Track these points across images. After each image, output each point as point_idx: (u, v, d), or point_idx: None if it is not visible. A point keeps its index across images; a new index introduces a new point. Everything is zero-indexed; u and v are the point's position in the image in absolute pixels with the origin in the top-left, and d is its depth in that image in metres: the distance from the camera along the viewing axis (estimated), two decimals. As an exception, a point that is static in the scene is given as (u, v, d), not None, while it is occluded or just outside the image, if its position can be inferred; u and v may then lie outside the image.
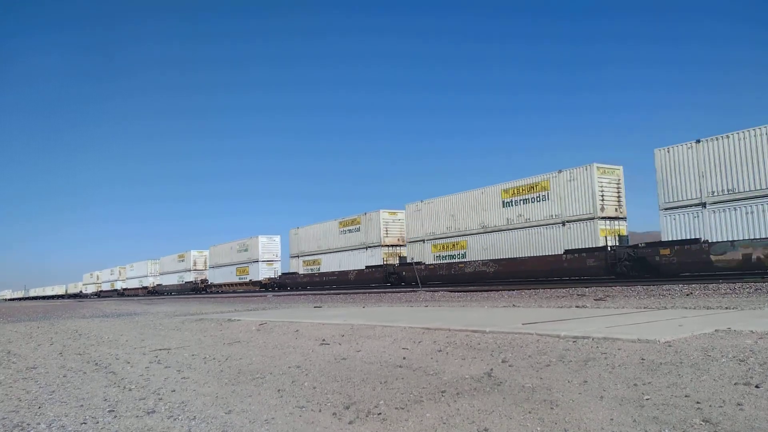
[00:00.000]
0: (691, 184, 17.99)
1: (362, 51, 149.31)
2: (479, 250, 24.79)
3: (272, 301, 23.26)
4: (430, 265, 27.27)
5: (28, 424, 3.60)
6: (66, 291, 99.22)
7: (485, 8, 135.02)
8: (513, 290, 17.91)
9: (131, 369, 5.68)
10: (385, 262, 30.81)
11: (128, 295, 62.45)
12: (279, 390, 4.22)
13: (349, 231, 33.88)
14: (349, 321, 8.62)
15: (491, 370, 4.32)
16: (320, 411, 3.56)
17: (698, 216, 17.72)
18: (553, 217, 21.99)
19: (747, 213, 16.57)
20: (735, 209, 16.90)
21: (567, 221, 21.49)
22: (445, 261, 26.50)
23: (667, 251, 18.09)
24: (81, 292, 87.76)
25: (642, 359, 4.21)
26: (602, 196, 20.79)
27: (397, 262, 30.67)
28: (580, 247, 20.91)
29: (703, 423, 2.78)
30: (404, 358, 5.11)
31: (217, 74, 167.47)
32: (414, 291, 21.88)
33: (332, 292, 27.85)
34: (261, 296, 30.81)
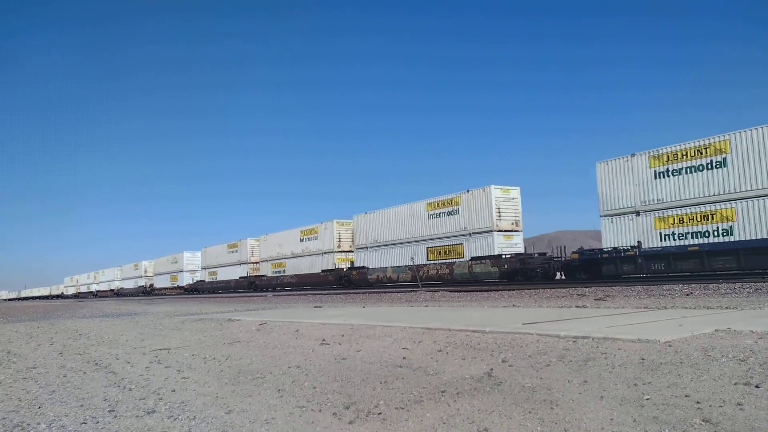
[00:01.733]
0: (364, 235, 32.75)
1: (361, 51, 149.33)
2: (290, 268, 40.23)
3: (272, 301, 23.27)
4: (270, 276, 42.50)
5: (28, 424, 3.60)
6: (50, 292, 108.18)
7: (486, 8, 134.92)
8: (513, 290, 17.93)
9: (131, 369, 5.68)
10: (248, 274, 45.40)
11: (101, 296, 73.38)
12: (279, 390, 4.22)
13: (233, 252, 48.09)
14: (349, 321, 8.63)
15: (491, 369, 4.32)
16: (320, 411, 3.56)
17: (365, 253, 32.42)
18: (319, 250, 37.16)
19: (382, 252, 31.22)
20: (380, 250, 31.41)
21: (324, 253, 36.67)
22: (276, 275, 41.96)
23: (355, 272, 32.94)
24: (63, 293, 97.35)
25: (642, 359, 4.21)
26: (339, 239, 36.00)
27: (256, 274, 44.97)
28: (328, 269, 36.01)
29: (703, 423, 2.78)
30: (404, 358, 5.11)
31: (215, 74, 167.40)
32: (414, 291, 21.93)
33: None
34: (261, 296, 30.88)
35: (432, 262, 27.80)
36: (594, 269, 20.64)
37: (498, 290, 18.54)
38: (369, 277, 31.46)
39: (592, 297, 12.94)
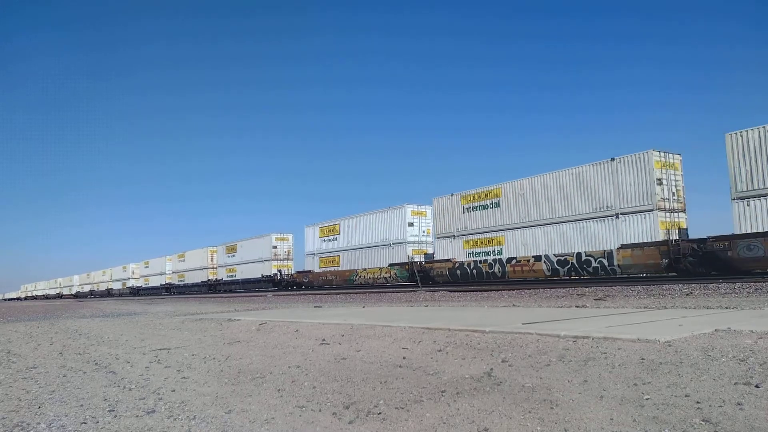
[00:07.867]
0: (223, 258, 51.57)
1: (359, 50, 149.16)
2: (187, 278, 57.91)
3: (272, 301, 23.28)
4: (174, 284, 58.90)
5: (28, 424, 3.60)
6: (13, 296, 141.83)
7: (487, 6, 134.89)
8: (513, 290, 17.94)
9: (131, 369, 5.68)
10: (168, 282, 61.76)
11: (39, 299, 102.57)
12: (279, 390, 4.22)
13: (151, 266, 67.22)
14: (349, 321, 8.63)
15: (491, 369, 4.32)
16: (320, 411, 3.56)
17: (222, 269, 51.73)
18: (195, 267, 55.38)
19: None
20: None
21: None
22: (181, 283, 58.15)
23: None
24: (19, 297, 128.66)
25: (642, 359, 4.22)
26: (210, 258, 53.10)
27: (175, 282, 61.12)
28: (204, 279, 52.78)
29: (703, 423, 2.78)
30: (404, 358, 5.11)
31: (212, 73, 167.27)
32: (414, 291, 21.93)
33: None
34: (261, 296, 30.89)
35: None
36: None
37: (498, 290, 18.54)
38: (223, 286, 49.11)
39: (591, 297, 12.94)
